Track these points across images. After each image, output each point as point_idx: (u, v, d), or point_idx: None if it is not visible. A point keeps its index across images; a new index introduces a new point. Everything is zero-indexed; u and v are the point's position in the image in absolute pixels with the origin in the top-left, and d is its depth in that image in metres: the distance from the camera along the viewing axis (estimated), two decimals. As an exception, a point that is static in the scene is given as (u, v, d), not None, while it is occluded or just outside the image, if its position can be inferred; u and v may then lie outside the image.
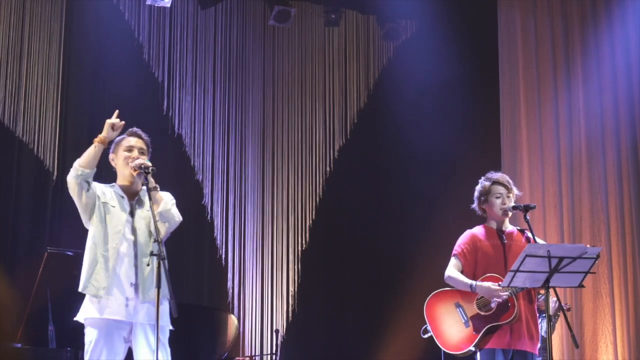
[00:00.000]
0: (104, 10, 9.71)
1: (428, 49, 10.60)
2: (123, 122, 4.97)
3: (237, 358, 9.46)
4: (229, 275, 10.11)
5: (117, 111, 4.98)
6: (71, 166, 9.19)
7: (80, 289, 4.82)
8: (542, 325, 7.47)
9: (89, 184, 4.83)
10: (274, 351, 9.60)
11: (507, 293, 5.27)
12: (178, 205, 5.01)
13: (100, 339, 4.73)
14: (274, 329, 10.00)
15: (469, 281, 5.41)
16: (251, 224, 10.30)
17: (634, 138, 9.55)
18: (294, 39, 10.76)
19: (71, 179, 4.82)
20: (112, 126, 4.89)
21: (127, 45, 9.82)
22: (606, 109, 9.65)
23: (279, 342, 9.55)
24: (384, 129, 10.85)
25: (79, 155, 9.32)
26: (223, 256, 10.11)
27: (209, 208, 10.13)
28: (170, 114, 10.06)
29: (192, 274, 9.86)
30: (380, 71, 11.03)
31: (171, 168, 9.70)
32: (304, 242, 10.49)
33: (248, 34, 10.55)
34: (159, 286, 4.44)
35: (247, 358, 9.68)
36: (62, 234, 9.26)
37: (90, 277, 4.79)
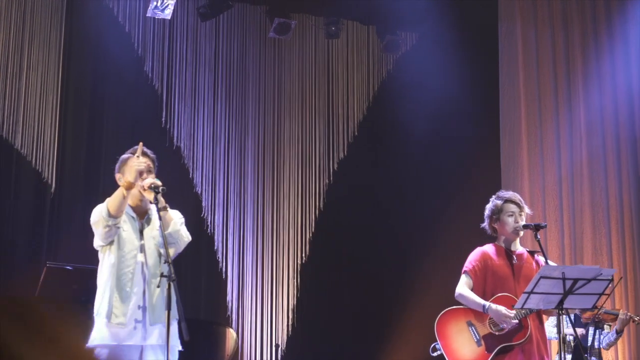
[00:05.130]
0: (104, 22, 9.67)
1: (428, 61, 10.58)
2: (149, 164, 4.91)
3: (236, 372, 9.40)
4: (229, 289, 10.06)
5: (141, 143, 4.91)
6: (69, 179, 9.29)
7: (102, 317, 4.75)
8: (605, 337, 7.52)
9: (118, 227, 4.77)
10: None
11: (516, 321, 5.26)
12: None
13: (110, 360, 4.68)
14: (274, 343, 9.94)
15: (482, 301, 5.37)
16: (250, 237, 10.25)
17: (635, 151, 9.55)
18: (294, 51, 10.73)
19: (101, 227, 4.72)
20: (140, 173, 4.81)
21: (126, 57, 9.77)
22: (607, 122, 9.64)
23: (279, 357, 9.49)
24: (384, 141, 10.84)
25: (77, 168, 9.46)
26: (223, 269, 10.05)
27: (209, 221, 10.08)
28: (168, 127, 10.01)
29: (190, 287, 9.79)
30: (380, 83, 11.02)
31: (169, 181, 9.58)
32: (303, 255, 10.44)
33: (248, 46, 10.51)
34: (169, 308, 4.38)
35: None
36: (60, 247, 9.21)
37: (110, 305, 4.73)
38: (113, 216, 4.69)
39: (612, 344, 7.60)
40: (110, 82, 9.73)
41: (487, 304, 5.33)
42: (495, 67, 10.31)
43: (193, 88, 10.18)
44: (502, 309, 5.28)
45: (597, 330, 7.54)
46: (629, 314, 7.50)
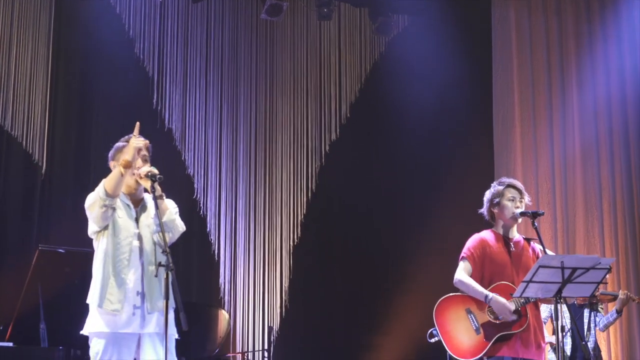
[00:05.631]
0: (95, 3, 9.60)
1: (420, 43, 10.57)
2: (147, 142, 4.83)
3: (228, 354, 9.40)
4: (221, 271, 10.05)
5: (137, 123, 4.83)
6: (59, 160, 9.24)
7: (96, 304, 4.70)
8: (602, 318, 7.52)
9: (114, 209, 4.72)
10: (266, 347, 9.55)
11: (514, 317, 5.26)
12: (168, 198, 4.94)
13: (107, 351, 4.65)
14: (267, 325, 9.95)
15: (484, 291, 5.33)
16: (243, 218, 10.24)
17: (627, 135, 9.58)
18: (286, 33, 10.68)
19: (97, 207, 4.67)
20: (138, 151, 4.75)
21: (117, 39, 9.72)
22: (599, 106, 9.66)
23: (272, 339, 9.49)
24: (376, 123, 10.82)
25: (68, 149, 9.41)
26: (216, 251, 10.05)
27: (201, 203, 10.06)
28: (160, 108, 9.97)
29: (183, 269, 9.75)
30: (372, 65, 10.99)
31: (161, 163, 9.54)
32: (295, 237, 10.44)
33: (240, 28, 10.47)
34: (167, 297, 4.36)
35: (239, 354, 9.60)
36: (51, 229, 9.18)
37: (104, 291, 4.69)
38: (110, 195, 4.65)
39: (609, 325, 7.61)
40: (100, 64, 9.66)
41: (491, 295, 5.29)
42: (488, 50, 10.29)
43: (184, 70, 10.14)
44: (505, 302, 5.25)
45: (592, 313, 7.55)
46: (628, 294, 7.52)
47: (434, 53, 10.37)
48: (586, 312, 7.55)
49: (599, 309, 7.71)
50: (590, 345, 7.47)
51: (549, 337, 7.09)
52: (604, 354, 8.91)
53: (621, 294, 7.48)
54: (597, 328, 7.63)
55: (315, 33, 10.81)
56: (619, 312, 7.52)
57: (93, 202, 4.70)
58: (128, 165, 4.69)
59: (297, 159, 10.61)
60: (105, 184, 4.67)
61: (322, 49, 10.83)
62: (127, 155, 4.71)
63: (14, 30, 9.31)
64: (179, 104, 10.07)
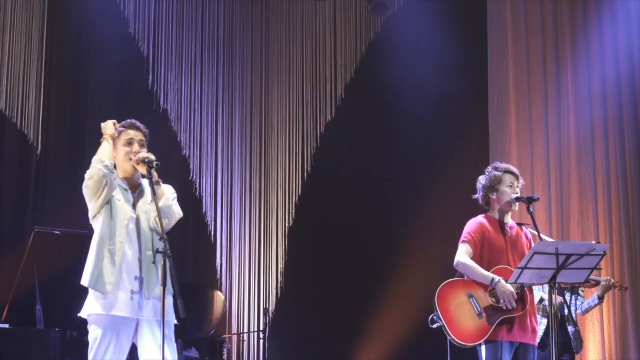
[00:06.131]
0: (89, -17, 9.57)
1: (416, 23, 10.53)
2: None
3: (224, 335, 9.43)
4: (218, 252, 10.07)
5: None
6: (54, 141, 9.23)
7: (86, 284, 4.68)
8: (583, 302, 7.53)
9: (112, 172, 4.72)
10: (261, 328, 9.59)
11: (514, 305, 5.27)
12: (164, 181, 4.94)
13: (106, 336, 4.63)
14: (263, 307, 9.98)
15: (490, 275, 5.32)
16: (238, 200, 10.25)
17: (621, 117, 9.55)
18: (281, 13, 10.66)
19: (98, 176, 4.65)
20: (114, 124, 4.82)
21: (112, 19, 9.70)
22: (594, 88, 9.64)
23: (267, 320, 9.53)
24: (371, 103, 10.81)
25: (62, 129, 9.39)
26: (212, 233, 10.06)
27: (197, 184, 10.07)
28: (155, 89, 9.95)
29: (178, 250, 9.78)
30: (368, 45, 10.95)
31: (156, 144, 9.54)
32: (290, 218, 10.46)
33: (235, 8, 10.44)
34: (164, 284, 4.37)
35: (235, 335, 9.64)
36: (46, 210, 9.18)
37: (97, 272, 4.66)
38: (109, 159, 4.70)
39: (590, 309, 7.60)
40: (95, 44, 9.64)
41: (497, 278, 5.29)
42: (483, 32, 10.25)
43: (179, 50, 10.12)
44: (511, 288, 5.25)
45: (573, 296, 7.56)
46: (610, 280, 7.52)
47: (429, 33, 10.34)
48: (567, 295, 7.55)
49: (579, 292, 7.71)
50: (571, 329, 7.48)
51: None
52: (597, 340, 8.96)
53: (603, 280, 7.48)
54: (578, 312, 7.64)
55: (311, 13, 10.78)
56: (600, 298, 7.53)
57: (91, 175, 4.68)
58: (112, 137, 4.80)
59: (292, 140, 10.61)
60: (97, 156, 4.72)
61: (317, 29, 10.80)
62: (107, 131, 4.83)
63: (8, 11, 9.27)
64: (174, 84, 10.06)
